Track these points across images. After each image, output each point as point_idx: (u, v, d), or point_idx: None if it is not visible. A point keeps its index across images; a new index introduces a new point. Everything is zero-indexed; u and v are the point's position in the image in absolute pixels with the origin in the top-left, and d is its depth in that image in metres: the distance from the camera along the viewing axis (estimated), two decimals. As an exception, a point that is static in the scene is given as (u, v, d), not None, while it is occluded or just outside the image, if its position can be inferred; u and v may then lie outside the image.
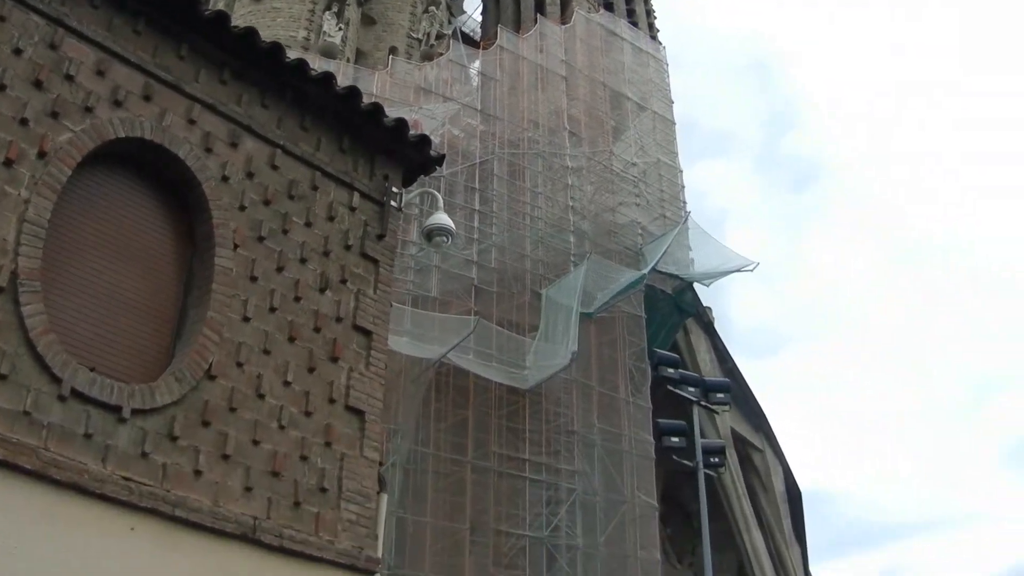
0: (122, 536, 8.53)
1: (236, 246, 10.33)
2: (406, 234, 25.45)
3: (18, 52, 9.15)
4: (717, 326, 38.39)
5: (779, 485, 38.99)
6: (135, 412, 8.96)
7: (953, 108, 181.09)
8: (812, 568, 42.71)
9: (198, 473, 9.27)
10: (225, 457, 9.53)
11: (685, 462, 23.33)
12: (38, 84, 9.19)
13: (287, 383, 10.29)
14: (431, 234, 13.24)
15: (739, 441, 36.69)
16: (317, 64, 12.59)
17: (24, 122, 8.97)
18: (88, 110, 9.50)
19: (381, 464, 11.22)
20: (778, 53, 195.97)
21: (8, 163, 8.74)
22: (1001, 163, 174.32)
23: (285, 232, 10.86)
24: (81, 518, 8.33)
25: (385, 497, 11.13)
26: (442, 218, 13.19)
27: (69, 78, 9.44)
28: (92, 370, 8.90)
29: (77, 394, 8.63)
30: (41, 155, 8.99)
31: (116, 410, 8.83)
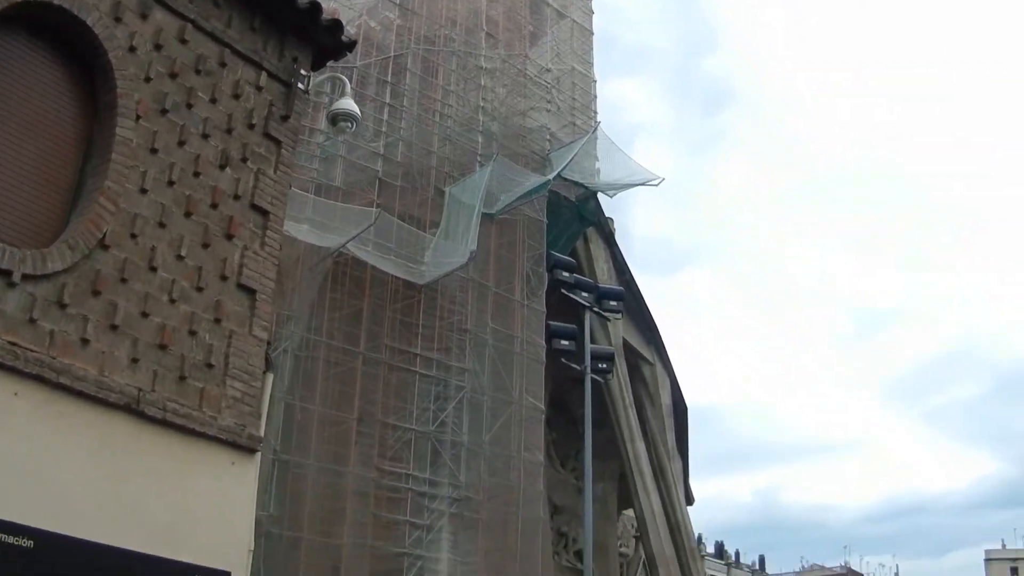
0: (5, 400, 8.57)
1: (139, 117, 10.27)
2: (314, 122, 25.25)
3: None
4: (618, 240, 38.63)
5: (666, 398, 39.49)
6: (25, 277, 8.96)
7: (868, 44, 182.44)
8: (691, 482, 43.64)
9: (85, 342, 9.30)
10: (113, 328, 9.56)
11: (574, 365, 23.61)
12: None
13: (180, 257, 10.32)
14: (336, 119, 13.23)
15: (630, 352, 37.05)
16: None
17: (-77, -18, 8.82)
18: (-6, -29, 9.33)
19: (270, 345, 11.29)
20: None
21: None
22: (915, 96, 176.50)
23: (189, 107, 10.81)
24: (-37, 380, 8.33)
25: (271, 377, 11.23)
26: (348, 103, 13.18)
27: (-25, -63, 9.26)
28: (-17, 233, 8.85)
29: (-35, 257, 8.59)
30: (-60, 15, 8.86)
31: (6, 274, 8.83)
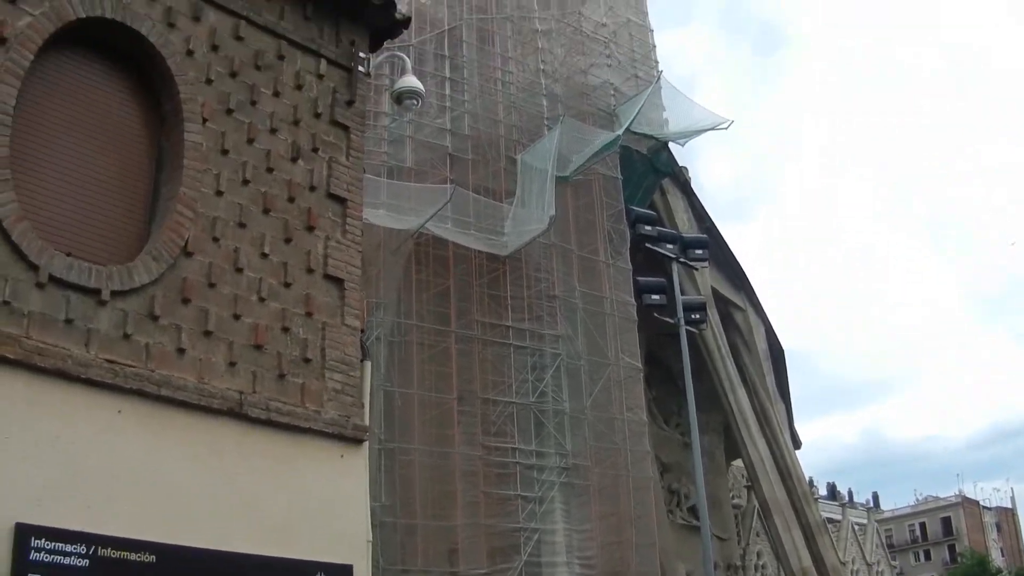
0: (110, 419, 8.59)
1: (205, 120, 10.20)
2: (377, 105, 25.18)
3: (-32, -63, 8.91)
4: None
5: (761, 343, 39.12)
6: (115, 294, 8.94)
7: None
8: (796, 425, 43.25)
9: (181, 351, 9.28)
10: (207, 333, 9.52)
11: (667, 319, 23.33)
12: (-8, -31, 8.95)
13: (264, 255, 10.26)
14: (401, 97, 13.10)
15: (720, 301, 36.71)
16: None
17: (-18, 9, 8.77)
18: (46, -8, 9.27)
19: (363, 333, 11.21)
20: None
21: (-31, 52, 8.58)
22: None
23: (253, 103, 10.72)
24: (68, 404, 8.36)
25: (369, 365, 11.14)
26: (411, 80, 13.04)
27: (24, -40, 9.19)
28: (68, 255, 8.85)
29: (55, 280, 8.61)
30: (2, 41, 8.83)
31: (95, 293, 8.82)
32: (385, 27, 12.65)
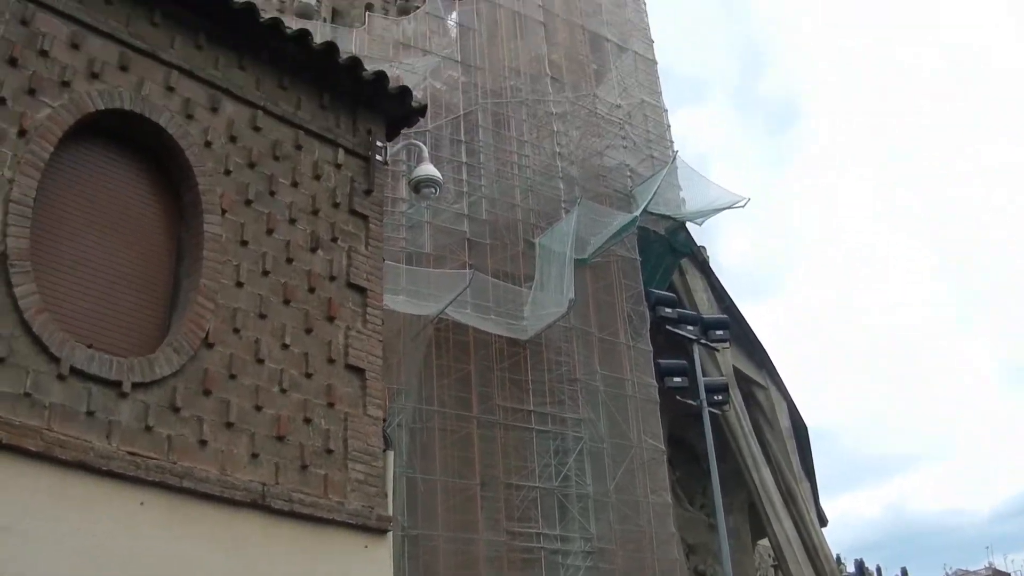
0: (132, 512, 8.50)
1: (224, 211, 10.21)
2: (395, 191, 25.27)
3: (-10, 31, 9.00)
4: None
5: (784, 421, 38.87)
6: (136, 386, 8.90)
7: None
8: (822, 503, 42.82)
9: (203, 443, 9.22)
10: (229, 425, 9.47)
11: (689, 401, 23.28)
12: (13, 62, 9.04)
13: (285, 346, 10.22)
14: (419, 186, 13.11)
15: (742, 379, 36.54)
16: (294, 25, 12.44)
17: (2, 101, 8.84)
18: (65, 84, 9.36)
19: (385, 422, 11.15)
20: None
21: (-11, 143, 8.63)
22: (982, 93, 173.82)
23: (272, 194, 10.74)
24: (89, 496, 8.29)
25: (392, 455, 11.08)
26: (428, 168, 13.05)
27: (43, 53, 9.29)
28: (89, 347, 8.83)
29: (76, 372, 8.57)
30: (21, 133, 8.87)
31: (116, 385, 8.78)
32: (401, 115, 12.70)
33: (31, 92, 9.08)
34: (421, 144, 14.54)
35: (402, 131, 13.14)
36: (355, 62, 11.97)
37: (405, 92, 12.50)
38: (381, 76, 12.13)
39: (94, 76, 9.62)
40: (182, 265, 10.03)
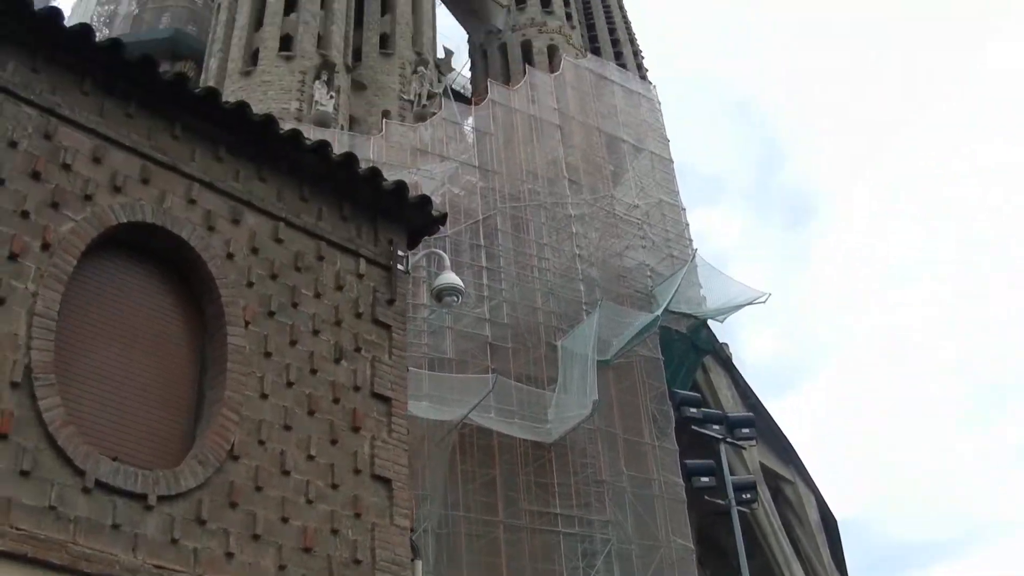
0: (159, 626, 8.43)
1: (247, 323, 10.24)
2: (416, 297, 25.39)
3: (13, 145, 9.12)
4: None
5: (813, 515, 38.65)
6: (161, 499, 8.87)
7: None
8: (864, 594, 42.30)
9: (230, 555, 9.16)
10: (255, 537, 9.41)
11: (717, 501, 23.13)
12: (36, 175, 9.15)
13: (311, 457, 10.17)
14: (441, 294, 13.16)
15: (769, 475, 36.39)
16: (312, 134, 12.61)
17: (25, 215, 8.93)
18: (88, 198, 9.46)
19: (412, 531, 11.08)
20: (758, 92, 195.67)
21: (13, 257, 8.70)
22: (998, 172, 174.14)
23: (295, 305, 10.77)
24: (116, 611, 8.23)
25: (419, 564, 10.99)
26: (450, 277, 13.11)
27: (66, 167, 9.41)
28: (115, 459, 8.81)
29: (101, 485, 8.54)
30: (45, 247, 8.95)
31: (142, 498, 8.74)
32: (421, 224, 12.76)
33: (54, 206, 9.17)
34: (442, 252, 14.65)
35: (423, 239, 13.23)
36: (374, 172, 12.06)
37: (425, 201, 12.58)
38: (401, 186, 12.22)
39: (116, 189, 9.72)
40: (206, 377, 10.03)
